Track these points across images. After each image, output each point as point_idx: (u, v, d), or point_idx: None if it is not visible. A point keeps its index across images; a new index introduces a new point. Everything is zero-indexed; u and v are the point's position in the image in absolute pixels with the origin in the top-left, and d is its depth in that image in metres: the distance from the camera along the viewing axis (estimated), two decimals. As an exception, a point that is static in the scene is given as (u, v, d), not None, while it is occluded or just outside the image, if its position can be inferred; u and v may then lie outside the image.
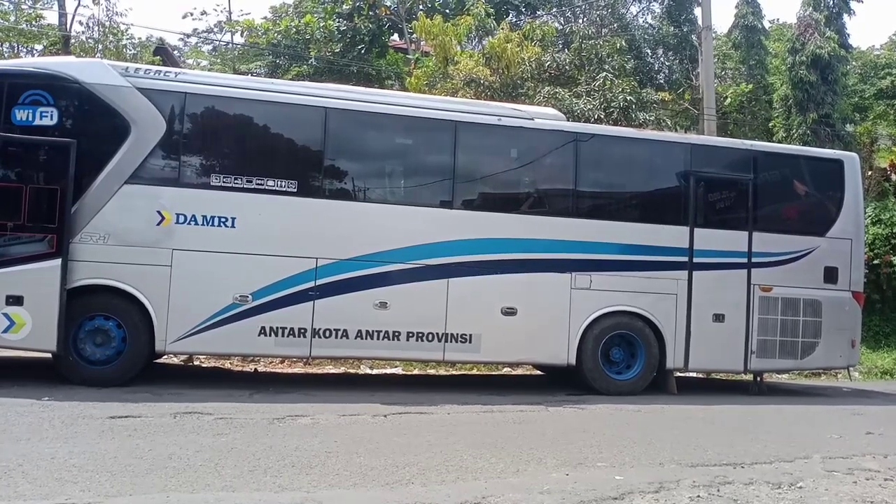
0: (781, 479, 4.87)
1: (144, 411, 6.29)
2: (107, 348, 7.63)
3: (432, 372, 10.91)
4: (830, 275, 9.62)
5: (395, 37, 24.76)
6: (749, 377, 10.03)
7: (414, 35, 19.93)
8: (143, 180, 7.71)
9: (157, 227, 7.68)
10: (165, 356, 9.04)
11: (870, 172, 21.87)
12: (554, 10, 23.17)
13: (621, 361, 9.11)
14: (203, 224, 7.80)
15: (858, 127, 25.24)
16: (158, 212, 7.70)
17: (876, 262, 15.89)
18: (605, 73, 16.33)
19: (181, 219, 7.74)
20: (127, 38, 22.90)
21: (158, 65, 14.85)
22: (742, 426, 7.15)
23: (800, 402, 9.48)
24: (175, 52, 26.42)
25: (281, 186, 8.04)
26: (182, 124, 7.99)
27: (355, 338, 8.14)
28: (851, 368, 11.18)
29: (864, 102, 26.48)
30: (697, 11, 21.43)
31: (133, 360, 7.67)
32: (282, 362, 10.60)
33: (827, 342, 9.55)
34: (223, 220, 7.85)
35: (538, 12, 23.16)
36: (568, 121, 10.42)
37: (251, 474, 4.45)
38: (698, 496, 4.36)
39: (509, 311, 8.56)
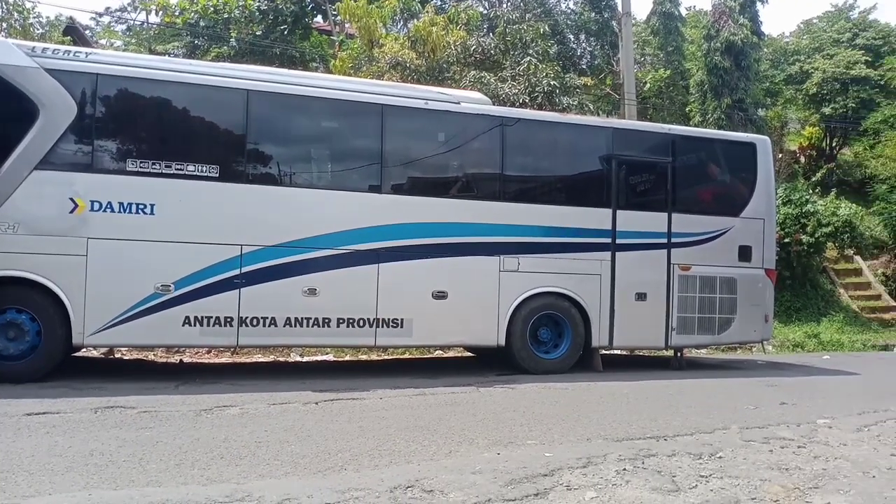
0: (702, 450, 5.07)
1: (63, 407, 6.04)
2: (20, 343, 7.26)
3: (364, 358, 10.87)
4: (745, 253, 10.07)
5: (319, 19, 24.30)
6: (670, 353, 10.41)
7: (338, 17, 19.60)
8: (54, 166, 7.34)
9: (70, 214, 7.33)
10: (84, 349, 8.69)
11: (780, 155, 22.96)
12: (478, -6, 23.18)
13: (549, 341, 9.31)
14: (119, 211, 7.49)
15: (769, 111, 26.36)
16: (71, 199, 7.34)
17: (787, 240, 16.73)
18: (529, 57, 16.50)
19: (96, 206, 7.42)
20: (34, 17, 21.71)
21: (68, 45, 14.11)
22: (664, 400, 7.40)
23: (718, 375, 9.87)
24: (87, 31, 25.18)
25: (202, 171, 7.80)
26: (94, 107, 7.62)
27: (284, 325, 8.01)
28: (765, 342, 11.74)
29: (774, 87, 27.63)
30: (618, -3, 21.90)
31: (49, 354, 7.34)
32: (208, 352, 10.36)
33: (742, 318, 10.01)
34: (141, 206, 7.56)
35: (463, -5, 23.13)
36: (494, 105, 10.48)
37: (178, 468, 4.33)
38: (624, 469, 4.50)
39: (440, 295, 8.60)
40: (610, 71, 23.41)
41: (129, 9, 28.22)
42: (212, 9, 21.50)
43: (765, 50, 26.51)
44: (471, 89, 13.56)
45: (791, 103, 27.41)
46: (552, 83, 15.93)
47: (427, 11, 17.26)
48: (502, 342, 8.92)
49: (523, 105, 14.69)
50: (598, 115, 17.78)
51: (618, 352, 11.09)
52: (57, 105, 7.35)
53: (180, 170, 7.73)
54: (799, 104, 26.86)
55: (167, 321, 7.61)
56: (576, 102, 16.40)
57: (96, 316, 7.38)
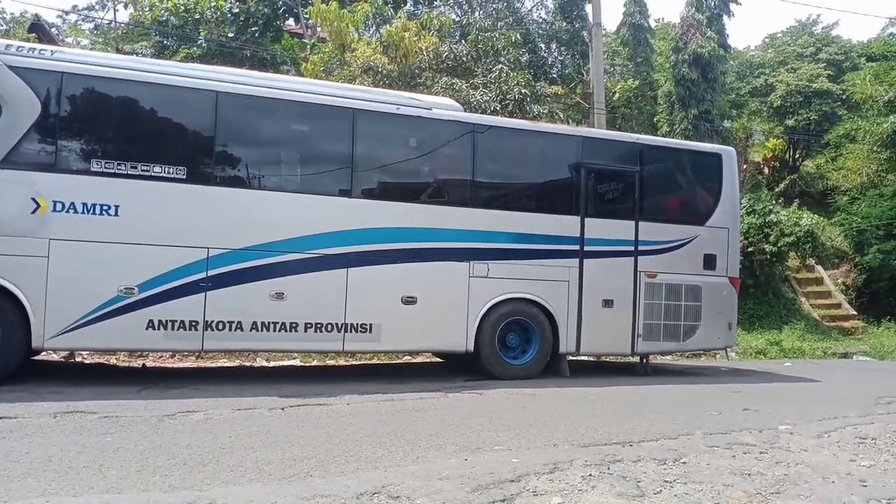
0: (667, 456, 5.11)
1: (21, 411, 5.89)
2: (-24, 346, 7.07)
3: (331, 363, 10.79)
4: (710, 261, 10.23)
5: (291, 21, 24.16)
6: (636, 359, 10.52)
7: (310, 20, 19.50)
8: (16, 165, 7.19)
9: (31, 215, 7.17)
10: (44, 353, 8.50)
11: (745, 166, 23.39)
12: (451, 1, 23.29)
13: (517, 347, 9.36)
14: (83, 212, 7.35)
15: (735, 123, 26.86)
16: (33, 199, 7.19)
17: (750, 249, 17.03)
18: (500, 65, 16.60)
19: (58, 206, 7.27)
20: (-3, 13, 21.27)
21: (33, 42, 13.83)
22: (630, 406, 7.46)
23: (682, 381, 9.98)
24: (53, 29, 24.72)
25: (169, 173, 7.69)
26: (59, 106, 7.47)
27: (250, 330, 7.92)
28: (729, 349, 11.92)
29: (740, 99, 28.17)
30: (588, 8, 22.16)
31: (7, 357, 7.15)
32: (172, 357, 10.20)
33: (706, 325, 10.16)
34: (105, 207, 7.43)
35: (435, 2, 23.22)
36: (465, 111, 10.52)
37: (139, 474, 4.25)
38: (590, 475, 4.52)
39: (409, 300, 8.58)
40: (580, 80, 23.65)
41: (96, 7, 27.81)
42: (182, 7, 21.21)
43: (731, 62, 27.04)
44: (442, 95, 13.58)
45: (756, 115, 27.96)
46: (523, 91, 16.04)
47: (400, 17, 17.26)
48: (471, 348, 8.93)
49: (494, 112, 14.75)
50: (568, 123, 17.94)
51: (585, 358, 11.17)
52: (20, 103, 7.20)
53: (146, 171, 7.61)
54: (763, 116, 27.41)
55: (130, 324, 7.48)
56: (546, 111, 16.54)
57: (57, 318, 7.23)
